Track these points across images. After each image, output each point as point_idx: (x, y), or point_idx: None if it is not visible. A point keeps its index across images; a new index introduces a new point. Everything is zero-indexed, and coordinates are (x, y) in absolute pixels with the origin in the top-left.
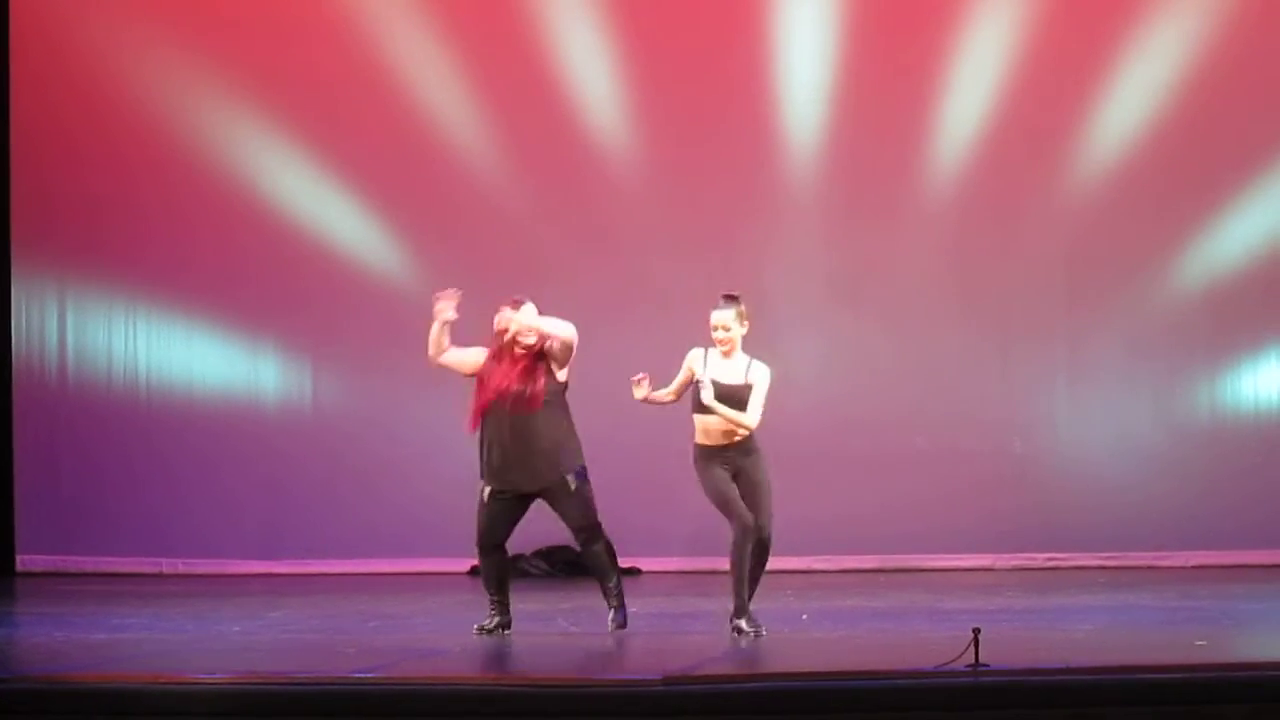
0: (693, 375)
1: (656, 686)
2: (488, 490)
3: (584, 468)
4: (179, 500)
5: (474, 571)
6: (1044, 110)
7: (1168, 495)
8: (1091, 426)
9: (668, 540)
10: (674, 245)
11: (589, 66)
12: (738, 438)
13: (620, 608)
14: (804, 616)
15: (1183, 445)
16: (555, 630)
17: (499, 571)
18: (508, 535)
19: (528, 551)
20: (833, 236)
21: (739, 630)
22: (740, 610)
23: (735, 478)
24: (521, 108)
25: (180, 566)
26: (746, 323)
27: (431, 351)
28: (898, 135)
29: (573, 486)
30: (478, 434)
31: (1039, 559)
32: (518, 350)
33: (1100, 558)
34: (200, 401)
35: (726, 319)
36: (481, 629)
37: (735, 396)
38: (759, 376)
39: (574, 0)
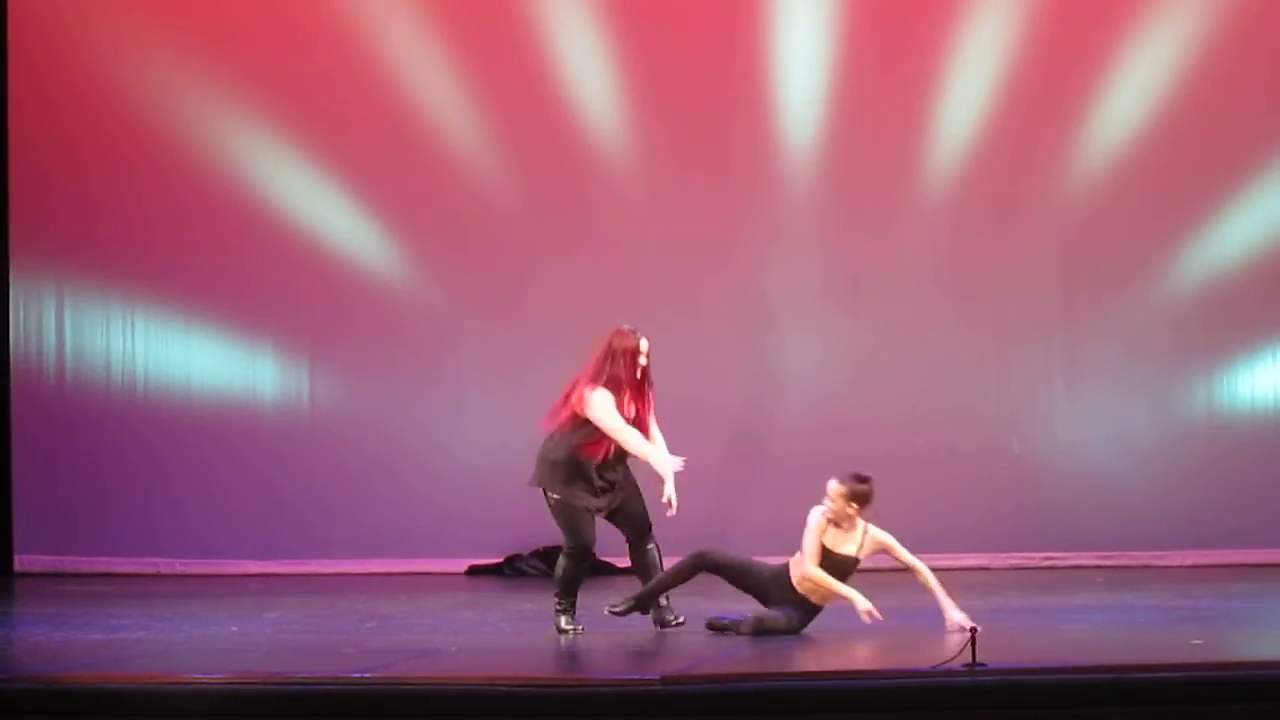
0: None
1: (654, 686)
2: None
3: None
4: (177, 501)
5: (472, 571)
6: (1040, 112)
7: (1165, 495)
8: (1089, 426)
9: (666, 540)
10: (671, 247)
11: (587, 70)
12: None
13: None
14: None
15: (1180, 445)
16: (552, 630)
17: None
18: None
19: (525, 551)
20: (830, 238)
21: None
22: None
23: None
24: (519, 110)
25: (178, 567)
26: (854, 505)
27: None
28: (894, 137)
29: (548, 501)
30: None
31: (1036, 558)
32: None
33: (1097, 557)
34: (198, 402)
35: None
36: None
37: (845, 568)
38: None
39: (572, 4)
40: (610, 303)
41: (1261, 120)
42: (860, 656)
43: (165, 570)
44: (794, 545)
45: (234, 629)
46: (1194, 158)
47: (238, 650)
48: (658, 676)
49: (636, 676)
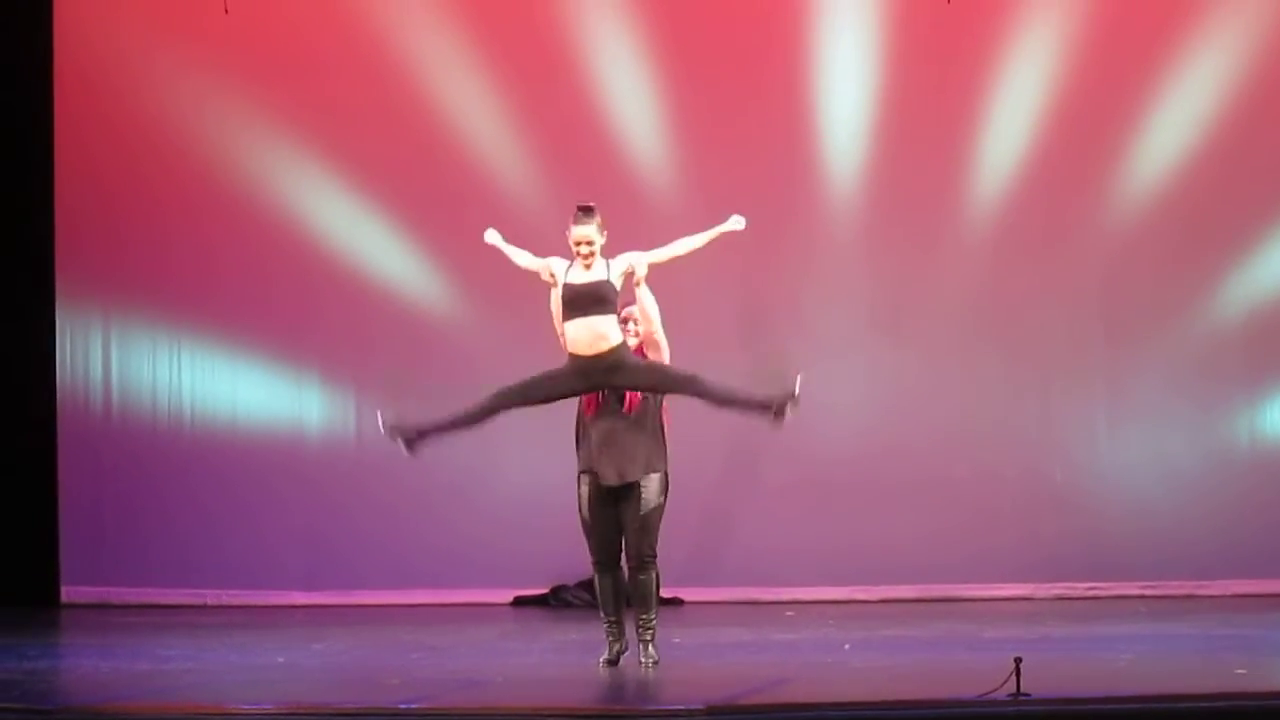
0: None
1: (700, 716)
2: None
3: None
4: (222, 531)
5: (517, 602)
6: (1082, 142)
7: (1208, 523)
8: (1132, 454)
9: (710, 570)
10: (713, 273)
11: (628, 94)
12: (605, 347)
13: (648, 643)
14: (846, 646)
15: (1223, 473)
16: (597, 660)
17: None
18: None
19: (570, 582)
20: (874, 266)
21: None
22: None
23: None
24: (563, 141)
25: (224, 598)
26: (605, 232)
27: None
28: (938, 167)
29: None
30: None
31: (1079, 588)
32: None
33: (1141, 586)
34: (244, 433)
35: (590, 233)
36: (605, 661)
37: (596, 294)
38: (627, 264)
39: (613, 26)
40: None
41: None
42: (905, 686)
43: (211, 601)
44: (837, 573)
45: (280, 660)
46: (1236, 188)
47: (284, 681)
48: (703, 706)
49: (681, 706)
